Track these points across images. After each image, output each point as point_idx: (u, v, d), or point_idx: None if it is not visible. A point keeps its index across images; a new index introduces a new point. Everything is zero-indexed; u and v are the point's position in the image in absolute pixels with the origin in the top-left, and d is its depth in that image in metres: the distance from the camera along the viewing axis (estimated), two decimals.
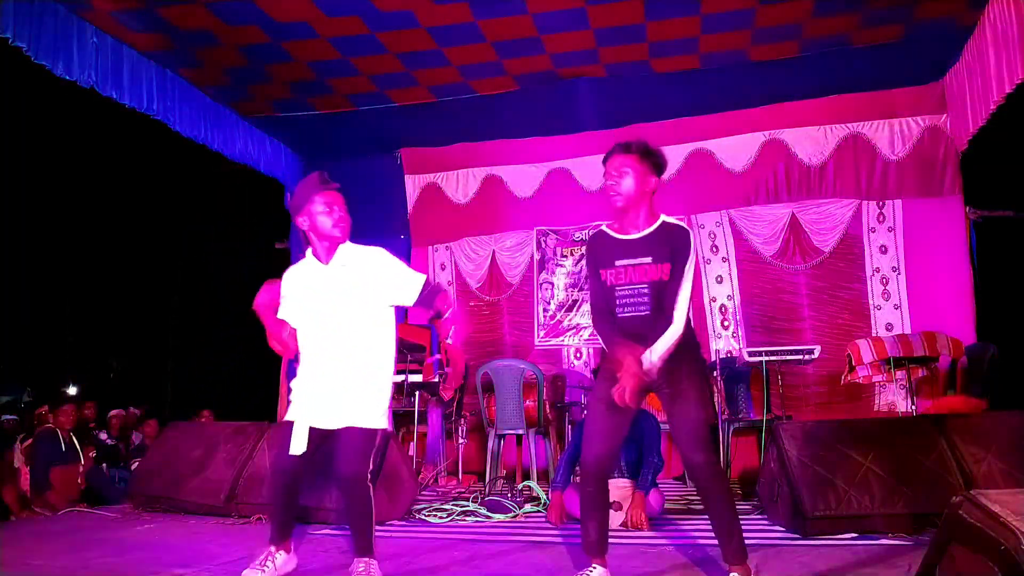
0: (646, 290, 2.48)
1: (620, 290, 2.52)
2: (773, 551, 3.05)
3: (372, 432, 2.69)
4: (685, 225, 2.57)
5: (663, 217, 2.58)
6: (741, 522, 2.47)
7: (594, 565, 2.54)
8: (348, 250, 2.78)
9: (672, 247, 2.48)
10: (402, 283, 2.77)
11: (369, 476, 2.67)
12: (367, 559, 2.71)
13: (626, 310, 2.52)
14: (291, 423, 2.70)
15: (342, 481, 2.69)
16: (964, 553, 1.82)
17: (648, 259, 2.50)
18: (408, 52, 5.81)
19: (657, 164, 2.57)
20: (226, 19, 5.26)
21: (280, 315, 2.80)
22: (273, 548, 2.75)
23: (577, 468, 4.39)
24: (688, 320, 2.52)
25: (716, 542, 2.50)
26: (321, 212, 2.72)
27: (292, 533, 2.84)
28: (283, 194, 7.90)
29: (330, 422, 2.69)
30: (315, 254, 2.79)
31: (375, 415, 2.70)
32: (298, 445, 2.65)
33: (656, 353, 2.38)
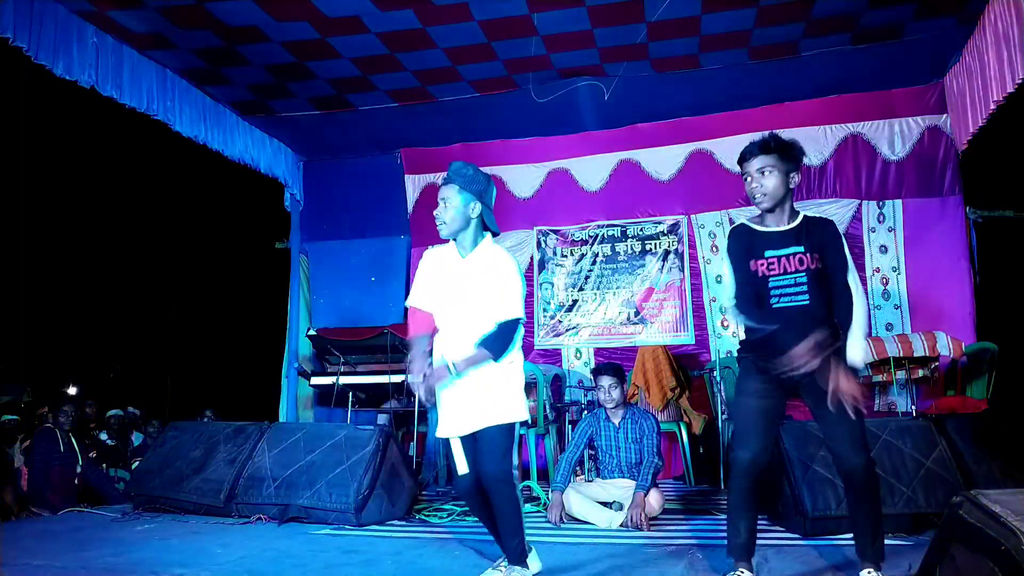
0: (804, 279, 2.45)
1: (775, 280, 2.49)
2: (773, 551, 3.05)
3: (510, 427, 2.61)
4: (829, 217, 2.63)
5: (803, 212, 2.59)
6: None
7: (741, 570, 2.44)
8: (487, 251, 2.74)
9: (821, 237, 2.49)
10: (494, 305, 2.64)
11: (514, 474, 2.62)
12: (519, 568, 2.62)
13: (783, 300, 2.47)
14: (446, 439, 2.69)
15: (486, 480, 2.58)
16: (964, 553, 1.82)
17: (800, 248, 2.48)
18: (408, 52, 5.81)
19: (796, 158, 2.54)
20: (226, 19, 5.26)
21: (412, 300, 2.79)
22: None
23: (577, 469, 4.39)
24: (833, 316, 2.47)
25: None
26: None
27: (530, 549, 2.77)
28: (283, 194, 7.90)
29: (471, 426, 2.60)
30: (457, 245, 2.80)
31: (510, 408, 2.60)
32: (461, 464, 2.64)
33: (855, 336, 2.36)
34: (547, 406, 5.45)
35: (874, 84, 6.39)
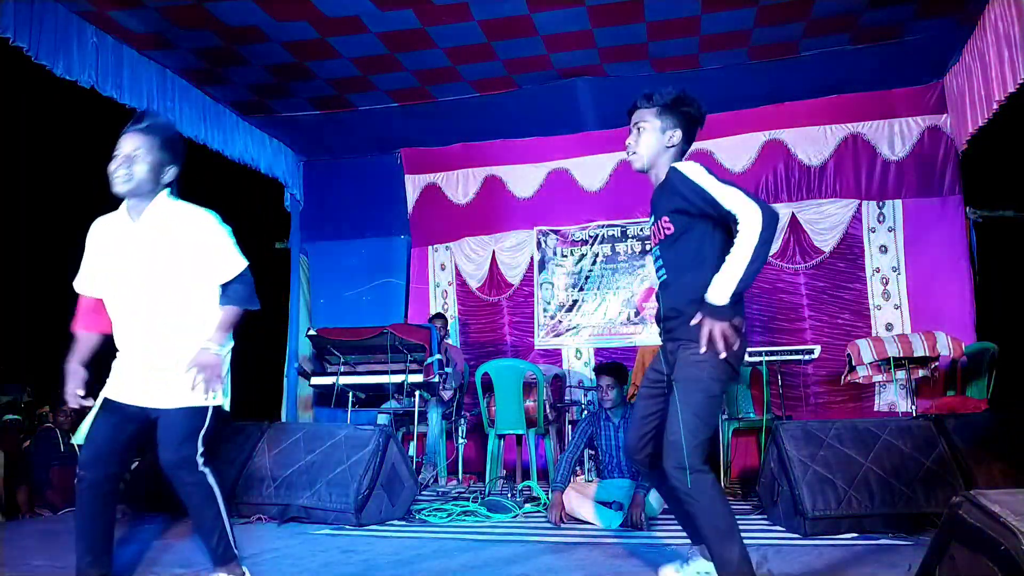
0: (658, 252, 2.29)
1: (654, 252, 2.34)
2: (773, 551, 3.05)
3: (199, 411, 2.31)
4: (683, 165, 2.22)
5: (674, 165, 2.24)
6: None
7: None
8: (164, 208, 2.34)
9: (674, 192, 2.18)
10: (216, 264, 2.36)
11: (202, 458, 2.29)
12: (227, 568, 2.34)
13: (658, 274, 2.33)
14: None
15: (165, 471, 2.29)
16: (964, 553, 1.82)
17: (652, 217, 2.31)
18: (408, 52, 5.81)
19: (685, 115, 2.25)
20: (226, 19, 5.26)
21: (78, 281, 2.46)
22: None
23: (577, 469, 4.39)
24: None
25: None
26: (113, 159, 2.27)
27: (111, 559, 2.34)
28: (283, 194, 7.90)
29: (144, 400, 2.30)
30: (128, 208, 2.37)
31: (198, 392, 2.29)
32: (81, 432, 2.30)
33: (721, 284, 2.02)
34: (547, 406, 5.44)
35: (874, 84, 6.39)
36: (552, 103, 6.67)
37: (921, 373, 5.31)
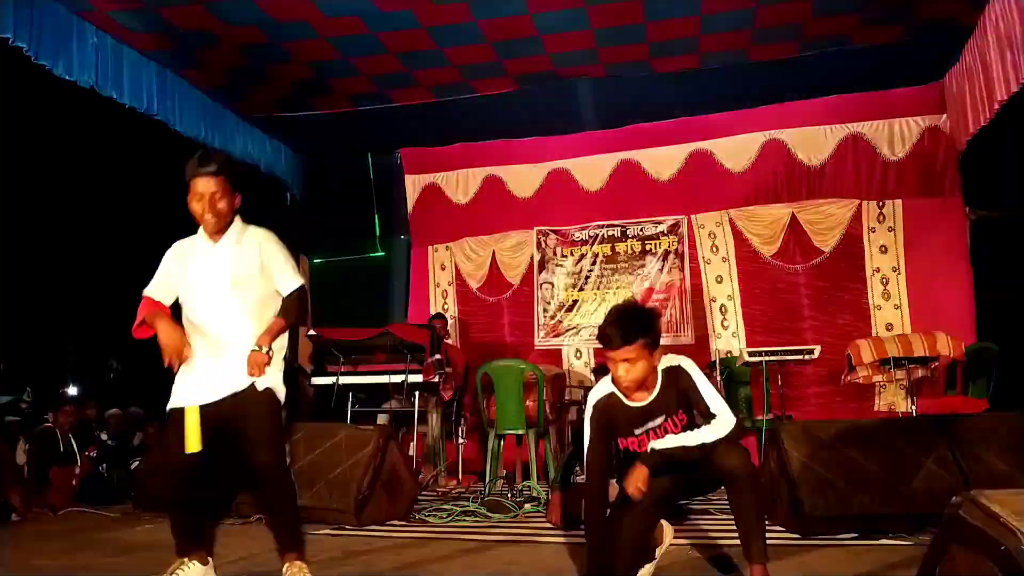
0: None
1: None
2: (773, 551, 3.04)
3: (279, 404, 2.55)
4: (678, 360, 2.54)
5: (659, 367, 2.51)
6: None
7: None
8: (238, 230, 2.67)
9: (677, 390, 2.49)
10: (278, 278, 2.68)
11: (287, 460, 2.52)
12: (296, 556, 2.50)
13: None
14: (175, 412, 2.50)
15: (264, 471, 2.52)
16: (964, 553, 1.82)
17: (662, 418, 2.50)
18: (408, 52, 5.81)
19: (655, 338, 2.46)
20: (226, 19, 5.27)
21: (149, 291, 2.69)
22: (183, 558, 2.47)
23: (577, 468, 4.39)
24: None
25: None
26: (192, 199, 2.57)
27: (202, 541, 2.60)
28: (283, 194, 7.90)
29: (221, 390, 2.49)
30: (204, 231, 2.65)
31: (277, 380, 2.56)
32: (194, 441, 2.45)
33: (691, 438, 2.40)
34: (547, 406, 5.44)
35: (874, 84, 6.39)
36: (552, 103, 6.67)
37: (921, 373, 5.31)
